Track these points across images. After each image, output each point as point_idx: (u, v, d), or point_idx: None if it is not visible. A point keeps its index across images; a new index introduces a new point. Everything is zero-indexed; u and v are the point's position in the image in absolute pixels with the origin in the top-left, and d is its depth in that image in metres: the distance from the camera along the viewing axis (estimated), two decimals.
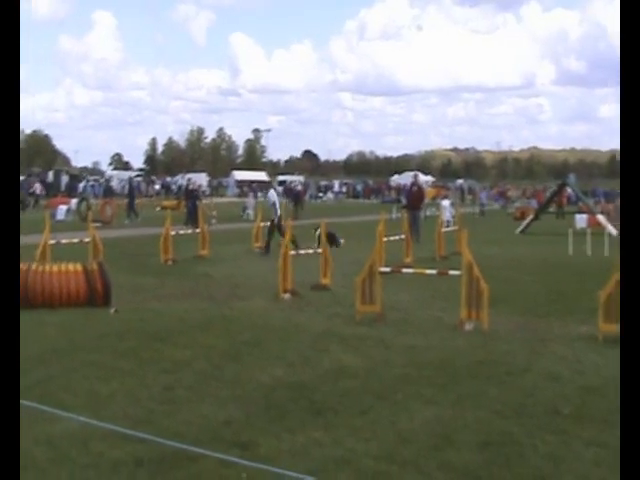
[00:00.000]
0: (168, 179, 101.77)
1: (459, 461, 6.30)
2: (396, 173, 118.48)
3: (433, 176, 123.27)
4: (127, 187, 48.00)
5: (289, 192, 56.85)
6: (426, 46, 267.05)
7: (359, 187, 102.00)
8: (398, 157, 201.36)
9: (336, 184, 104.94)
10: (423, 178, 55.74)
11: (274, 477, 5.80)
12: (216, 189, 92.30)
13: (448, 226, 29.29)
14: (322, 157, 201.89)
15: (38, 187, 60.44)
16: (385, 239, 19.99)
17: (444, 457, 6.38)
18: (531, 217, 37.97)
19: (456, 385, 8.62)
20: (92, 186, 77.98)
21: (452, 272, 13.51)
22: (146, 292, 15.59)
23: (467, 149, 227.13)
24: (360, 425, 7.27)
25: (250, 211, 45.44)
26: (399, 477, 6.01)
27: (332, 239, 23.87)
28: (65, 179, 78.63)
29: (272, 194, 25.55)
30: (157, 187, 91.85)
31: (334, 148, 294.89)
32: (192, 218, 34.16)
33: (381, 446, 6.69)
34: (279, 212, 24.36)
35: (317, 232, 22.05)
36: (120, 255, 22.00)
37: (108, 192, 63.70)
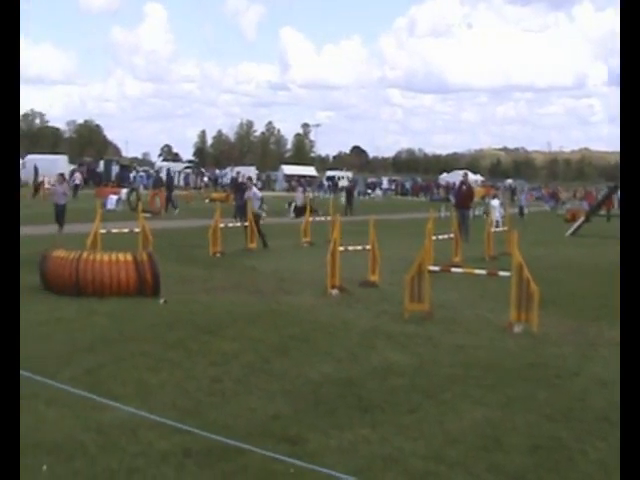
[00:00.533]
0: (217, 171, 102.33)
1: (508, 464, 6.23)
2: (445, 171, 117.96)
3: (482, 175, 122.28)
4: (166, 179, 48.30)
5: (336, 188, 56.71)
6: (476, 44, 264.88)
7: (407, 185, 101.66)
8: (447, 155, 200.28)
9: (384, 181, 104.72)
10: (472, 177, 55.34)
11: (322, 474, 5.78)
12: (266, 183, 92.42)
13: (497, 226, 28.99)
14: (371, 153, 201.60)
15: (78, 177, 61.16)
16: (434, 237, 19.86)
17: (493, 459, 6.32)
18: (582, 219, 37.46)
19: (505, 387, 8.53)
20: (142, 177, 78.64)
21: (502, 273, 13.37)
22: (194, 284, 15.68)
23: (517, 149, 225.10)
24: (408, 424, 7.22)
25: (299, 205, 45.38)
26: (447, 478, 5.97)
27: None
28: (115, 169, 79.35)
29: (257, 192, 26.61)
30: (206, 179, 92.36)
31: (383, 145, 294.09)
32: (240, 211, 34.26)
33: (429, 446, 6.64)
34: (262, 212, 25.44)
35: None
36: (169, 246, 22.15)
37: (158, 183, 64.16)
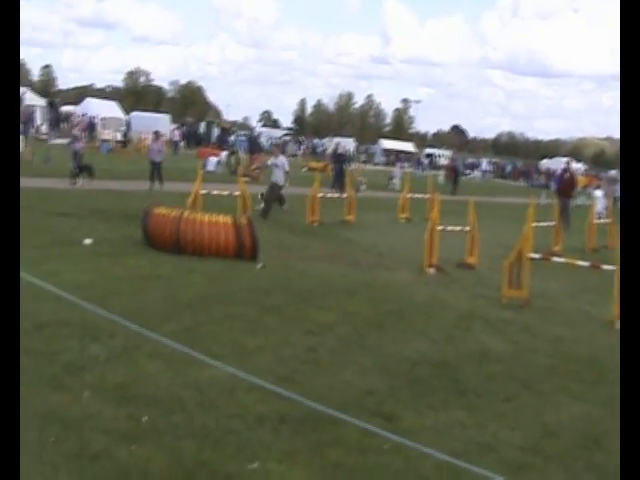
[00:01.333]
0: (315, 141, 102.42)
1: (609, 465, 6.05)
2: (546, 157, 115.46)
3: (585, 164, 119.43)
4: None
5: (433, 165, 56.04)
6: (582, 30, 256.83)
7: (508, 168, 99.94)
8: (549, 141, 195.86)
9: (484, 162, 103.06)
10: (574, 166, 54.07)
11: (417, 452, 5.73)
12: (364, 155, 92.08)
13: (600, 218, 28.27)
14: (470, 134, 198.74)
15: (177, 134, 62.25)
16: (533, 224, 19.45)
17: (593, 458, 6.16)
18: None
19: (606, 385, 8.27)
20: (242, 140, 79.27)
21: (605, 266, 13.02)
22: (292, 251, 15.74)
23: None
24: (504, 412, 7.10)
25: (396, 181, 45.18)
26: (544, 472, 5.85)
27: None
28: (216, 131, 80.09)
29: (284, 161, 23.44)
30: (304, 148, 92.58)
31: (482, 126, 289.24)
32: (339, 182, 34.24)
33: (526, 437, 6.52)
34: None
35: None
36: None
37: (255, 148, 64.62)
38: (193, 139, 75.79)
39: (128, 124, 66.35)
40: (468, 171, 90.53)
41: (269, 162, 24.01)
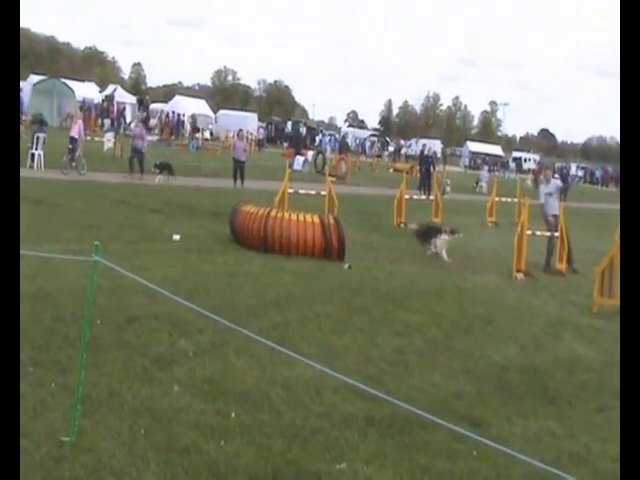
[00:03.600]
0: (402, 142, 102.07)
1: None
2: None
3: None
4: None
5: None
6: None
7: (598, 173, 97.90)
8: None
9: (573, 167, 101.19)
10: None
11: (507, 460, 5.61)
12: (449, 157, 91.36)
13: None
14: (559, 138, 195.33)
15: (262, 132, 63.25)
16: None
17: None
18: None
19: None
20: (329, 140, 79.45)
21: None
22: (379, 252, 15.69)
23: None
24: (597, 422, 6.93)
25: (484, 184, 44.71)
26: None
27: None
28: (303, 131, 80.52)
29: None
30: (391, 149, 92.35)
31: (572, 130, 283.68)
32: (425, 184, 34.03)
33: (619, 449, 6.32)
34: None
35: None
36: (353, 212, 22.21)
37: (343, 148, 64.75)
38: (280, 138, 76.32)
39: (194, 118, 67.21)
40: (557, 176, 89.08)
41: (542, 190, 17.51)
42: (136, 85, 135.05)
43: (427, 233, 16.20)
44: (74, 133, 25.52)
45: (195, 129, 61.42)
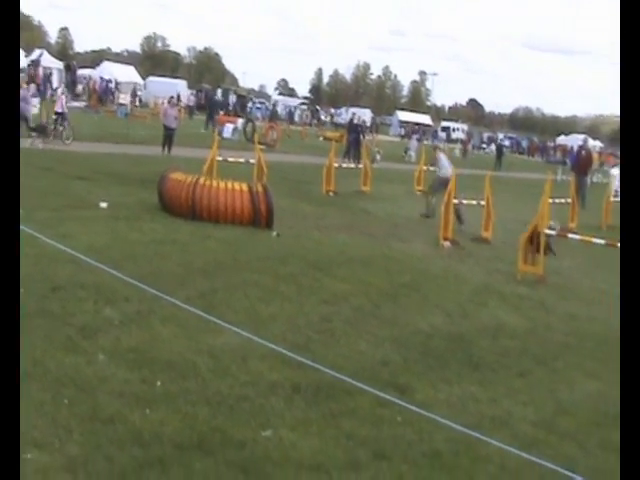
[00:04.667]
0: (332, 110, 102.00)
1: None
2: (563, 134, 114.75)
3: (602, 142, 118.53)
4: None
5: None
6: (602, 7, 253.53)
7: (524, 143, 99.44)
8: (566, 118, 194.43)
9: (500, 136, 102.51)
10: (591, 143, 53.57)
11: (430, 425, 5.71)
12: (379, 127, 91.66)
13: (617, 195, 28.06)
14: (487, 108, 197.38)
15: (193, 100, 63.06)
16: (550, 201, 19.33)
17: (606, 436, 6.10)
18: None
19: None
20: (258, 108, 79.01)
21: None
22: (307, 220, 15.69)
23: None
24: (518, 387, 7.07)
25: (412, 153, 45.03)
26: (557, 448, 5.80)
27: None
28: (232, 98, 79.73)
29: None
30: (322, 117, 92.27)
31: (500, 100, 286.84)
32: (354, 152, 34.11)
33: (539, 413, 6.49)
34: None
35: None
36: (282, 180, 22.14)
37: (273, 116, 64.43)
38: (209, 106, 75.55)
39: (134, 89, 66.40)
40: (485, 145, 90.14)
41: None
42: (63, 50, 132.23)
43: None
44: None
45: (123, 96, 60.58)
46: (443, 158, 19.14)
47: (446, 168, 18.28)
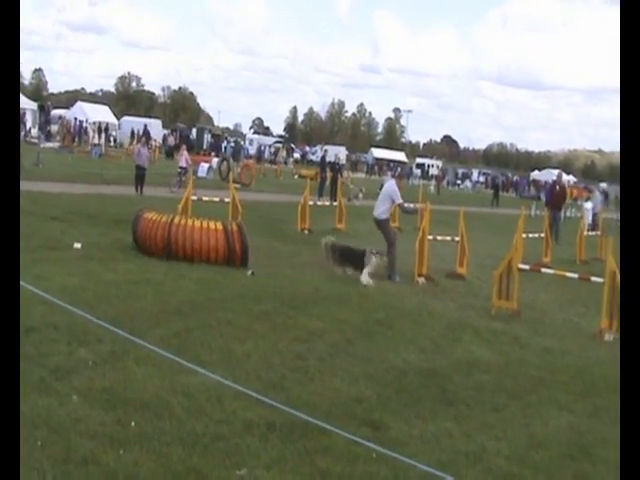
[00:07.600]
0: (307, 148, 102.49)
1: (595, 476, 6.07)
2: (537, 169, 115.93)
3: (575, 176, 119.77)
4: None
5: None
6: (571, 43, 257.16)
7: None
8: (540, 153, 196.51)
9: (475, 173, 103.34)
10: (565, 178, 54.06)
11: (404, 463, 5.72)
12: (356, 164, 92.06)
13: (590, 230, 28.37)
14: (461, 144, 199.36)
15: (171, 140, 63.91)
16: (524, 235, 19.53)
17: (579, 469, 6.16)
18: None
19: (594, 396, 8.32)
20: (232, 147, 79.15)
21: (594, 278, 13.07)
22: (282, 258, 15.74)
23: (612, 152, 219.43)
24: (492, 422, 7.11)
25: None
26: None
27: None
28: (207, 137, 79.92)
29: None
30: (296, 155, 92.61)
31: (474, 137, 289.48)
32: (331, 190, 34.26)
33: (513, 447, 6.52)
34: None
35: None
36: (257, 218, 22.22)
37: (236, 153, 64.54)
38: (185, 145, 75.71)
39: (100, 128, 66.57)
40: (459, 181, 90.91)
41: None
42: (37, 91, 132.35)
43: (348, 255, 14.64)
44: None
45: (99, 133, 60.63)
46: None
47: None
